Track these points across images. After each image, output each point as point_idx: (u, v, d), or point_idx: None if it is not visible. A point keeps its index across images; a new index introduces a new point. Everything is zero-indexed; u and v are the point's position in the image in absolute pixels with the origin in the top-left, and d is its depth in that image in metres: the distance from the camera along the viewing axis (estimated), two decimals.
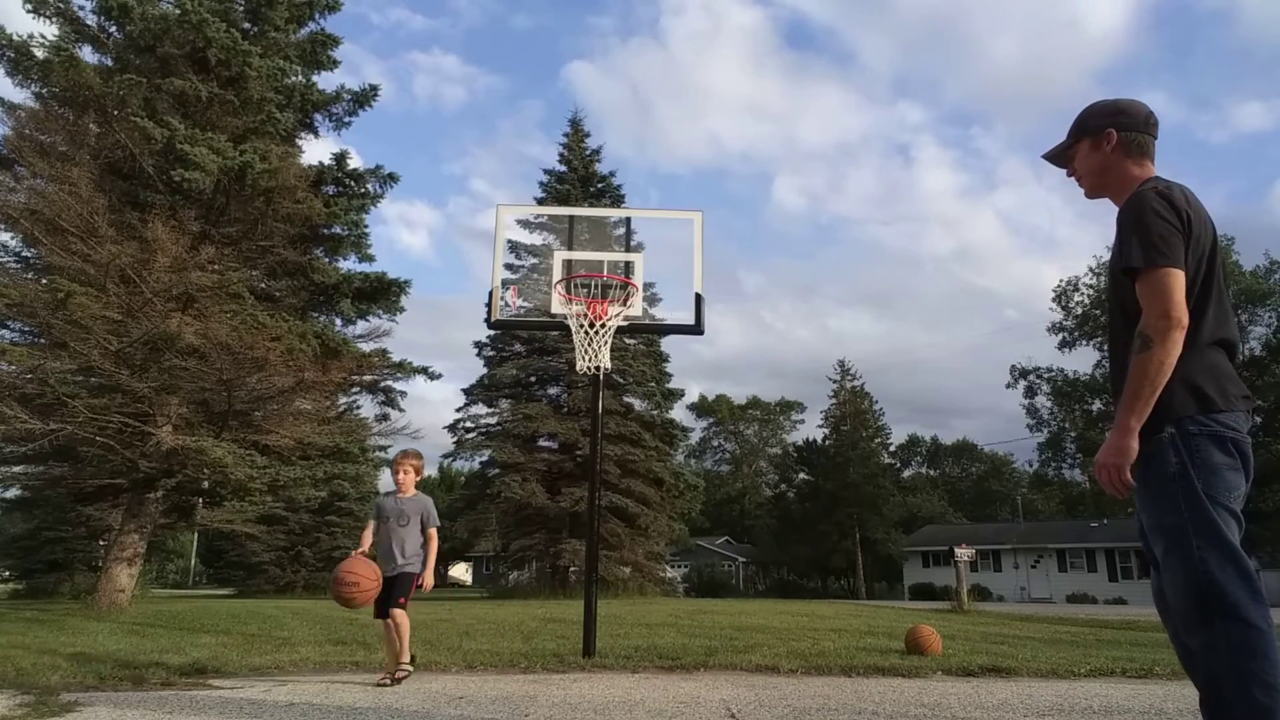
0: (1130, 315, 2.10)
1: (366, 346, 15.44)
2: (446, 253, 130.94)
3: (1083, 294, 40.26)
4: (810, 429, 74.24)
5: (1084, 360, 43.07)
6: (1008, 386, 45.50)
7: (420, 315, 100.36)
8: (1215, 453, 1.95)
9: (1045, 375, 43.56)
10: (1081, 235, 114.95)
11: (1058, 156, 2.40)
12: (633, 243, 7.27)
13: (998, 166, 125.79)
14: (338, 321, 15.89)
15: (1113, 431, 2.01)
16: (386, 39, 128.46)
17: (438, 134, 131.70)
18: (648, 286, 8.39)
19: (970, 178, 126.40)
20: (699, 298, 6.75)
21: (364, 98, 15.78)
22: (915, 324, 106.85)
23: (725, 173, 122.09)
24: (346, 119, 16.06)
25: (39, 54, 12.72)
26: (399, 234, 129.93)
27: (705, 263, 6.85)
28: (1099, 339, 39.09)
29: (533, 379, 28.63)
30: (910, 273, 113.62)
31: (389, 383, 16.25)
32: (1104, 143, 2.25)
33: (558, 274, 6.82)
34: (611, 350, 6.57)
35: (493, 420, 28.10)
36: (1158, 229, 2.02)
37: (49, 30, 15.58)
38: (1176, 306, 1.95)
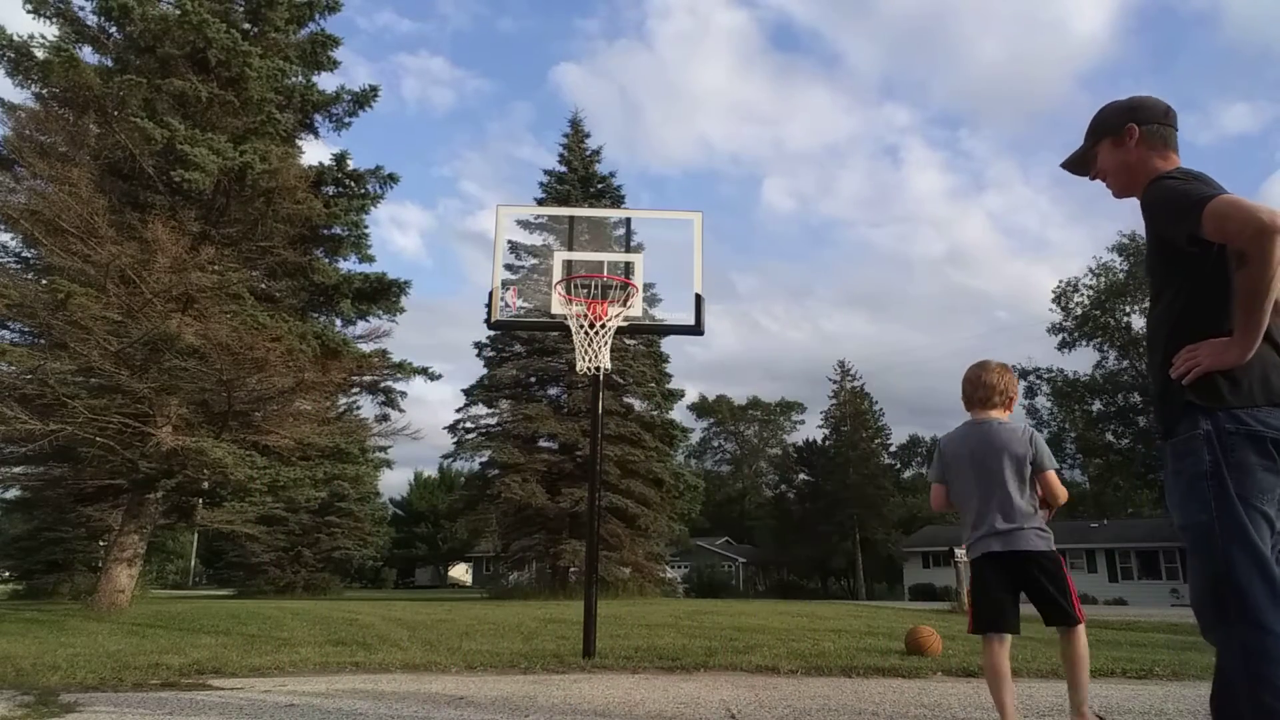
0: (1174, 299, 2.06)
1: (366, 347, 15.47)
2: (439, 254, 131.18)
3: (1082, 295, 40.30)
4: (810, 430, 74.31)
5: (1084, 361, 43.14)
6: None
7: (414, 317, 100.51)
8: (1251, 453, 1.90)
9: (1045, 376, 43.62)
10: (1072, 237, 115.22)
11: (1077, 164, 2.37)
12: (633, 243, 7.27)
13: (986, 168, 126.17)
14: (338, 322, 15.91)
15: (1227, 340, 1.93)
16: (374, 42, 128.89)
17: (427, 136, 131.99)
18: (648, 287, 8.38)
19: (959, 179, 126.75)
20: (699, 298, 6.75)
21: (364, 98, 15.79)
22: (909, 325, 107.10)
23: (715, 175, 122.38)
24: (346, 119, 16.09)
25: (39, 54, 12.73)
26: (391, 235, 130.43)
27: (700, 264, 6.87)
28: (1099, 339, 39.16)
29: (533, 379, 28.64)
30: (902, 274, 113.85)
31: (389, 383, 16.26)
32: (1126, 138, 2.21)
33: (558, 274, 6.82)
34: (611, 351, 6.57)
35: (493, 421, 28.14)
36: (1185, 185, 2.00)
37: (49, 30, 15.59)
38: (1258, 208, 1.82)
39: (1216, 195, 1.89)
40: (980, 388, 3.09)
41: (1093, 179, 2.34)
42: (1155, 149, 2.20)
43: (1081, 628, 2.88)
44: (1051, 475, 2.97)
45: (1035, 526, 2.90)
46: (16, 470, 14.35)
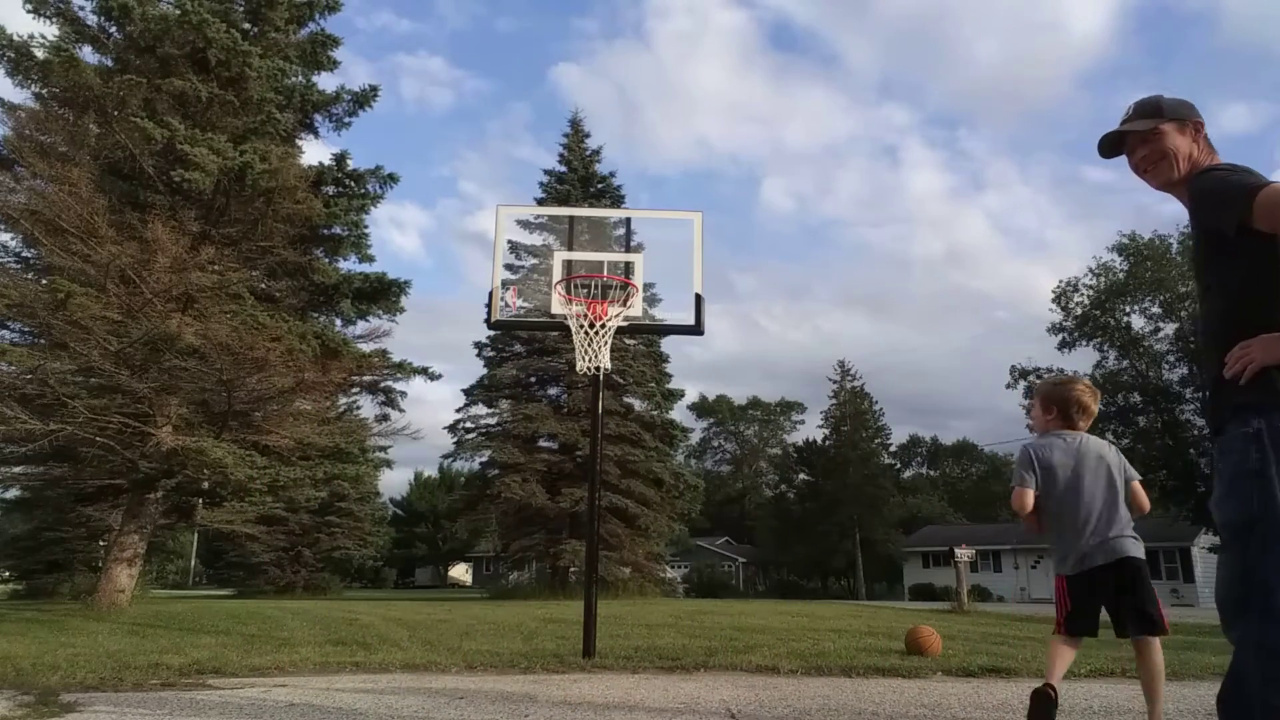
0: (1224, 294, 2.03)
1: (366, 347, 15.47)
2: (439, 254, 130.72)
3: (1082, 295, 40.26)
4: (810, 430, 74.23)
5: (1084, 361, 43.06)
6: (1007, 387, 45.30)
7: (414, 317, 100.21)
8: None
9: (1045, 376, 43.58)
10: (1071, 237, 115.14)
11: (1115, 142, 2.32)
12: (632, 243, 7.28)
13: (985, 168, 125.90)
14: (338, 322, 15.91)
15: (1278, 334, 1.87)
16: (373, 42, 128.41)
17: (427, 136, 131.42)
18: (647, 287, 8.38)
19: (958, 179, 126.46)
20: (699, 298, 6.75)
21: (364, 98, 15.78)
22: (908, 325, 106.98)
23: (714, 174, 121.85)
24: (346, 119, 16.08)
25: (39, 54, 12.73)
26: (391, 235, 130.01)
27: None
28: (1099, 339, 39.13)
29: (533, 379, 28.64)
30: (902, 274, 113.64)
31: (389, 383, 16.27)
32: (1194, 131, 2.24)
33: (558, 274, 6.82)
34: (611, 351, 6.57)
35: (493, 421, 28.10)
36: (1234, 176, 1.99)
37: (49, 30, 15.57)
38: None
39: (1268, 184, 1.87)
40: (1083, 410, 3.29)
41: (1138, 157, 2.28)
42: (1212, 152, 2.23)
43: (1159, 639, 3.04)
44: (1139, 485, 3.19)
45: (1132, 534, 3.11)
46: (16, 470, 14.34)
